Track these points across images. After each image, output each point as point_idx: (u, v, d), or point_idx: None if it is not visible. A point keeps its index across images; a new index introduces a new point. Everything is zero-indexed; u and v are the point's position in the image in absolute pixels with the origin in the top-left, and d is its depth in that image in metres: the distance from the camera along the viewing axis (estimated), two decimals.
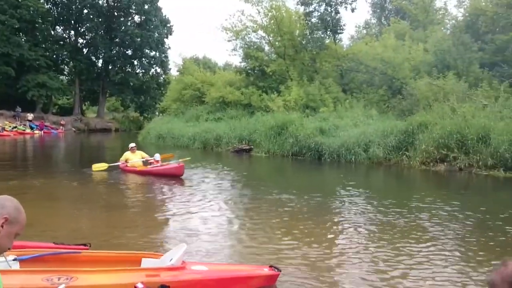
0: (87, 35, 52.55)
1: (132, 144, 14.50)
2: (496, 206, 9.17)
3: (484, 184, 12.76)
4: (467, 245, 6.16)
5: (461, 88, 19.33)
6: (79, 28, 51.76)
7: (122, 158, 14.06)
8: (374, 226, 7.15)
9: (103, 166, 13.82)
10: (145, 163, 14.03)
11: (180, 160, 13.40)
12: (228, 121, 25.76)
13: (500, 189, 12.07)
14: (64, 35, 52.47)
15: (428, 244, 6.15)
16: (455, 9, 48.89)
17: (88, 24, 50.57)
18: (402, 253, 5.72)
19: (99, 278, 3.74)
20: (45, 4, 47.14)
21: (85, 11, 50.31)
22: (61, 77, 51.75)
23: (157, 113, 54.65)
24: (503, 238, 6.49)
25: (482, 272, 5.03)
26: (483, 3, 24.63)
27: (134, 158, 13.99)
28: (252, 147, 21.64)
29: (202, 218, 7.65)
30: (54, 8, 49.76)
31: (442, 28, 30.16)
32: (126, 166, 13.83)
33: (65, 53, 50.35)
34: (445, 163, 14.85)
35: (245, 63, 30.75)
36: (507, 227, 7.07)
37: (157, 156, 13.96)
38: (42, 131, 40.15)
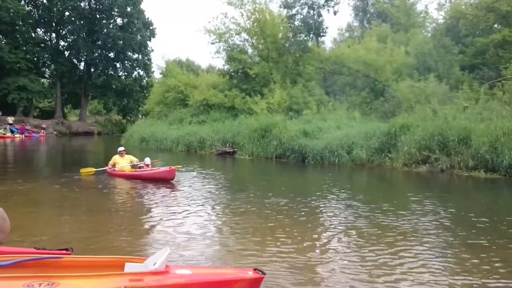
0: (68, 38, 52.02)
1: (121, 148, 14.20)
2: (477, 206, 9.30)
3: (465, 185, 12.92)
4: (450, 245, 6.23)
5: (442, 90, 19.64)
6: (61, 31, 51.22)
7: (111, 162, 13.75)
8: (357, 228, 7.19)
9: (90, 170, 13.52)
10: (135, 167, 13.70)
11: (173, 166, 12.85)
12: (211, 124, 25.73)
13: (481, 190, 12.23)
14: (45, 37, 51.87)
15: (413, 245, 6.21)
16: (435, 12, 49.49)
17: (69, 27, 50.08)
18: (386, 254, 5.76)
19: (81, 283, 3.69)
20: (26, 6, 46.55)
21: (67, 13, 49.85)
22: (42, 80, 51.10)
23: (140, 116, 54.29)
24: (485, 238, 6.58)
25: (464, 272, 5.10)
26: (463, 7, 25.04)
27: (123, 162, 13.64)
28: (236, 149, 21.63)
29: (186, 221, 7.62)
30: (35, 10, 49.19)
31: (423, 31, 30.57)
32: (114, 170, 13.52)
33: (46, 55, 49.75)
34: (427, 165, 15.04)
35: (228, 66, 30.75)
36: (488, 228, 7.19)
37: (147, 160, 13.71)
38: (23, 135, 39.58)
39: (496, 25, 24.87)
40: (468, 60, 23.88)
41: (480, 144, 13.88)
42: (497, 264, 5.39)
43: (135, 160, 13.88)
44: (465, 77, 22.41)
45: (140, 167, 13.57)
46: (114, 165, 13.64)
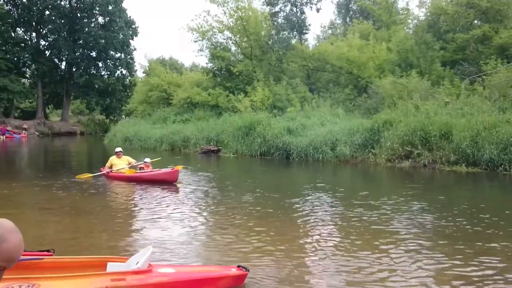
0: (49, 37, 51.30)
1: (118, 148, 13.58)
2: (459, 200, 9.41)
3: (447, 179, 13.08)
4: (432, 239, 6.30)
5: (424, 86, 19.83)
6: (41, 30, 50.48)
7: (107, 164, 13.01)
8: (342, 224, 7.23)
9: (88, 176, 12.63)
10: (134, 168, 12.98)
11: (174, 167, 12.17)
12: (195, 122, 25.66)
13: (463, 184, 12.40)
14: (25, 37, 51.09)
15: (397, 239, 6.26)
16: (417, 9, 50.01)
17: (50, 26, 49.37)
18: (370, 250, 5.79)
19: (63, 284, 3.65)
20: (5, 5, 45.73)
21: (47, 12, 49.12)
22: (23, 80, 50.30)
23: (123, 115, 53.82)
24: (467, 231, 6.67)
25: (448, 266, 5.16)
26: (444, 3, 25.26)
27: (120, 163, 12.96)
28: (220, 148, 21.59)
29: (169, 220, 7.59)
30: (14, 10, 48.36)
31: (405, 28, 30.80)
32: (110, 172, 12.78)
33: (26, 55, 48.98)
34: (409, 160, 15.20)
35: (211, 64, 30.66)
36: (470, 221, 7.28)
37: (147, 160, 13.10)
38: (4, 136, 38.95)
39: (476, 21, 25.15)
40: (449, 56, 24.12)
41: (461, 139, 14.07)
42: (478, 255, 5.46)
43: (133, 161, 13.25)
44: (446, 72, 22.65)
45: (140, 168, 12.88)
46: (111, 167, 12.96)
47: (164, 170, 12.25)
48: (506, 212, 7.97)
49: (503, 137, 13.44)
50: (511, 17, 21.07)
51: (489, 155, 13.38)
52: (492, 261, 5.31)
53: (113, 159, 13.16)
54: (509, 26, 21.67)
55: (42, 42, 51.67)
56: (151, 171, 12.49)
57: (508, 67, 18.95)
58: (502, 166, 13.20)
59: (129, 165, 13.06)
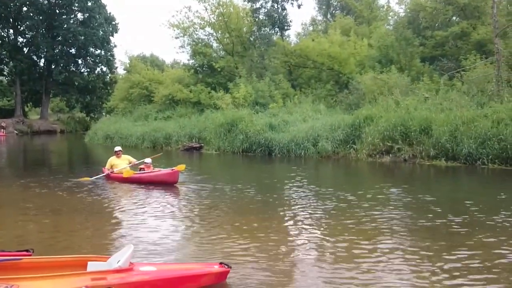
0: (27, 34, 50.39)
1: (118, 148, 13.00)
2: (439, 194, 9.53)
3: (427, 173, 13.25)
4: (413, 233, 6.38)
5: (404, 82, 20.03)
6: (19, 26, 49.56)
7: (107, 166, 12.36)
8: (324, 220, 7.27)
9: (85, 179, 11.98)
10: (135, 168, 12.44)
11: (175, 168, 11.53)
12: (177, 120, 25.54)
13: (442, 178, 12.57)
14: (3, 33, 50.08)
15: (377, 234, 6.33)
16: (397, 6, 50.47)
17: (28, 22, 48.46)
18: (352, 245, 5.85)
19: (42, 285, 3.61)
20: None
21: (25, 8, 48.20)
22: (1, 77, 49.48)
23: (104, 113, 53.17)
24: (447, 224, 6.78)
25: (427, 258, 5.23)
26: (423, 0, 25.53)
27: (121, 163, 12.34)
28: (203, 144, 21.53)
29: (151, 218, 7.56)
30: None
31: (385, 24, 31.05)
32: (111, 173, 12.18)
33: (3, 52, 48.07)
34: (390, 155, 15.37)
35: (193, 60, 30.53)
36: (449, 214, 7.39)
37: (148, 160, 12.37)
38: None
39: (454, 18, 25.49)
40: (428, 52, 24.40)
41: (440, 134, 14.27)
42: (457, 247, 5.55)
43: (134, 160, 12.63)
44: (425, 68, 22.91)
45: (140, 169, 12.30)
46: (111, 168, 12.33)
47: (164, 171, 11.71)
48: (485, 205, 8.10)
49: (481, 132, 13.67)
50: (488, 14, 21.36)
51: (468, 149, 13.60)
52: (472, 253, 5.41)
53: (112, 160, 12.51)
54: (487, 23, 21.99)
55: (20, 39, 50.81)
56: (151, 172, 11.95)
57: (486, 63, 19.25)
58: (480, 160, 13.43)
59: (131, 164, 12.50)
